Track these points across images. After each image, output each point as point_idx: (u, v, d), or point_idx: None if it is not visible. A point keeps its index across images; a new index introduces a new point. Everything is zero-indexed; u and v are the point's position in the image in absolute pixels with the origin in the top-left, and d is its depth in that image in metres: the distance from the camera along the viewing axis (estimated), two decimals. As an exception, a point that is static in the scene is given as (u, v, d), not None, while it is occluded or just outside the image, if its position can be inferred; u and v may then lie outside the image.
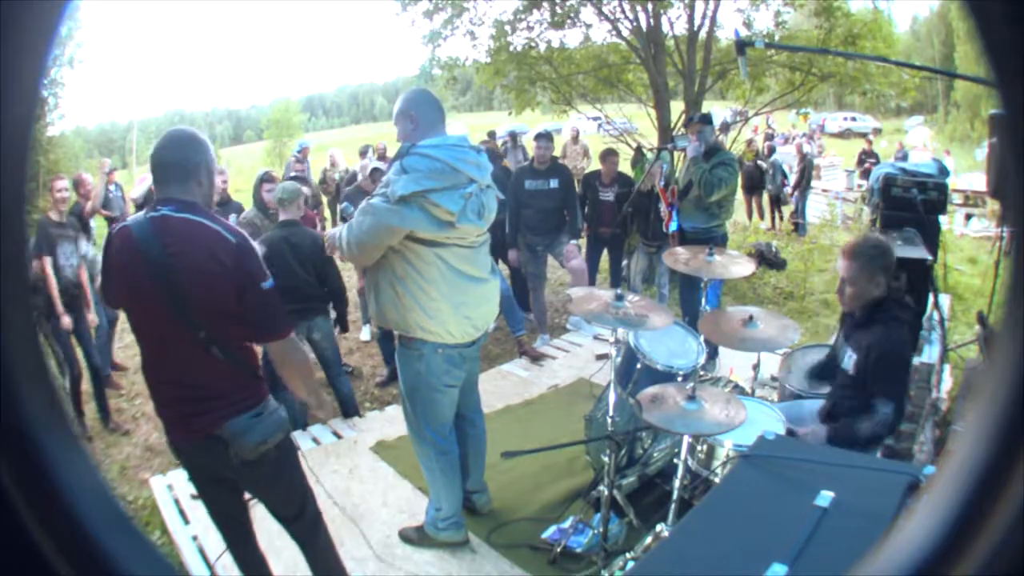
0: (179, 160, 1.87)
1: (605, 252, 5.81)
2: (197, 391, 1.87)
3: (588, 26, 7.64)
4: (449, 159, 2.27)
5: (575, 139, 10.14)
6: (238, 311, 1.84)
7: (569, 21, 7.46)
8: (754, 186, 10.12)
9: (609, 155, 5.61)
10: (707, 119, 4.67)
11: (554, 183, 4.98)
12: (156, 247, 1.77)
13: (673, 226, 4.41)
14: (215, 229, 1.82)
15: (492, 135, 9.74)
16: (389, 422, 3.93)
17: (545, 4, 7.34)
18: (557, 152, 6.22)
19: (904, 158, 9.75)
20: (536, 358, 4.89)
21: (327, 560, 2.24)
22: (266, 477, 2.00)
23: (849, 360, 2.44)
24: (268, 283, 1.88)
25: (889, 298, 2.40)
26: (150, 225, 1.79)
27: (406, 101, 2.41)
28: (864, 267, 2.37)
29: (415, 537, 2.81)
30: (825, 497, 1.39)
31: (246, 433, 1.87)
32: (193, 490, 3.18)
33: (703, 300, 3.30)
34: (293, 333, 2.01)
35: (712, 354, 4.00)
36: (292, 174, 6.46)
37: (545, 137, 5.12)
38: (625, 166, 6.45)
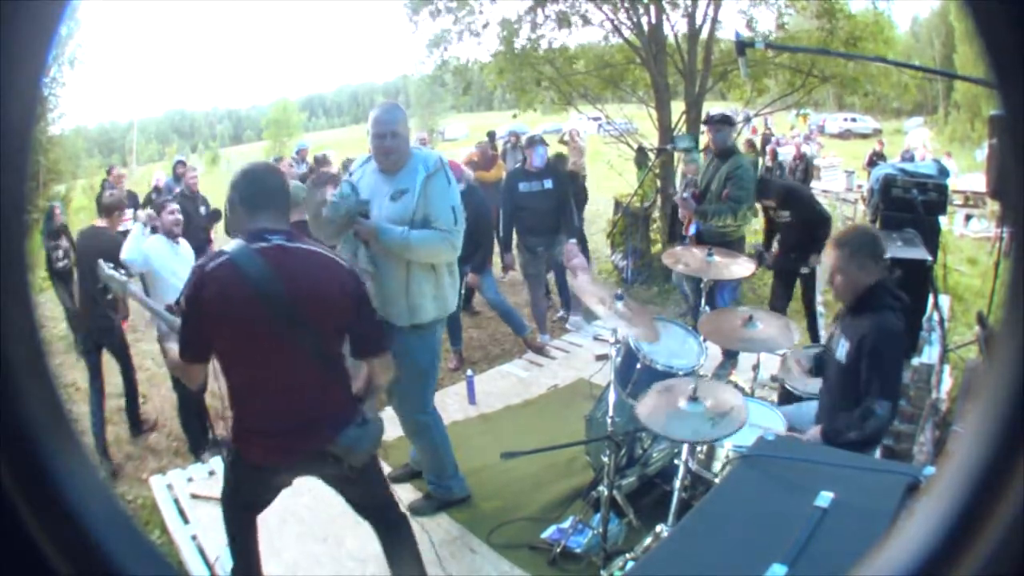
0: (279, 191, 1.97)
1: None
2: (310, 412, 1.92)
3: (597, 24, 7.61)
4: None
5: (575, 139, 10.12)
6: (347, 329, 1.96)
7: (577, 20, 7.43)
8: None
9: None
10: (728, 120, 4.56)
11: (548, 183, 4.96)
12: (270, 277, 1.80)
13: (692, 229, 4.35)
14: (331, 257, 1.95)
15: (492, 135, 9.72)
16: (389, 422, 3.91)
17: (551, 3, 7.32)
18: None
19: (911, 159, 9.74)
20: (542, 351, 4.95)
21: (411, 545, 2.28)
22: (367, 477, 2.10)
23: (842, 349, 2.43)
24: (375, 303, 2.07)
25: (881, 285, 2.39)
26: (263, 256, 1.82)
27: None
28: (853, 255, 2.37)
29: (427, 506, 2.98)
30: (825, 497, 1.39)
31: (359, 442, 1.95)
32: (196, 488, 3.21)
33: (702, 302, 3.30)
34: None
35: (730, 355, 3.98)
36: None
37: (538, 141, 5.10)
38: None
